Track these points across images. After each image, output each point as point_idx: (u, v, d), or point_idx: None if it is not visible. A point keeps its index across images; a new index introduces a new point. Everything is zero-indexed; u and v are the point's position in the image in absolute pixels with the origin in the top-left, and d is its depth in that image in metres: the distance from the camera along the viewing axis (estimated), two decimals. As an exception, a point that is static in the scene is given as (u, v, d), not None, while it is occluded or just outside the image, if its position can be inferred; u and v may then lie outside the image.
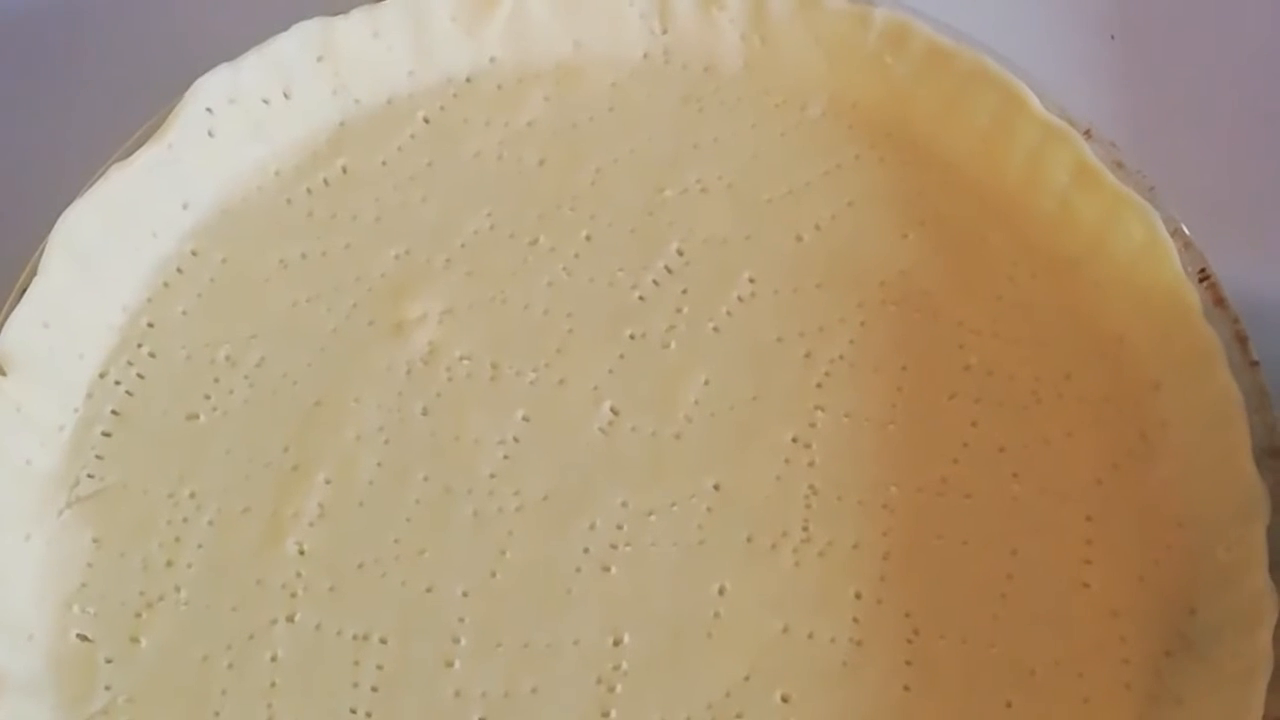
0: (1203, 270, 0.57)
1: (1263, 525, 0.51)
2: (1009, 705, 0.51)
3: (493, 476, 0.55)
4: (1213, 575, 0.52)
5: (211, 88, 0.59)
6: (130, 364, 0.57)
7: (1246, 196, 0.64)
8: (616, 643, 0.52)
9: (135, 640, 0.52)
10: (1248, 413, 0.53)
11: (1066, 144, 0.59)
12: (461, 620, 0.53)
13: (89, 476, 0.55)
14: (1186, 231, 0.58)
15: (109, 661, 0.52)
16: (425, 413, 0.57)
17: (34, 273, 0.55)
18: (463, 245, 0.60)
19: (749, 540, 0.54)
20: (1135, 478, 0.55)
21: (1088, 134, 0.59)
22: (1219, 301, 0.57)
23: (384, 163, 0.62)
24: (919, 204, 0.61)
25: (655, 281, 0.59)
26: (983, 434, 0.56)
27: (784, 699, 0.51)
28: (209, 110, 0.59)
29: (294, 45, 0.60)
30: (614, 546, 0.54)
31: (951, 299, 0.59)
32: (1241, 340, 0.56)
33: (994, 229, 0.60)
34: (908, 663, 0.52)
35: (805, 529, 0.54)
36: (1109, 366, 0.57)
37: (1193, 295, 0.55)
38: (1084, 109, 0.60)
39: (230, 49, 0.59)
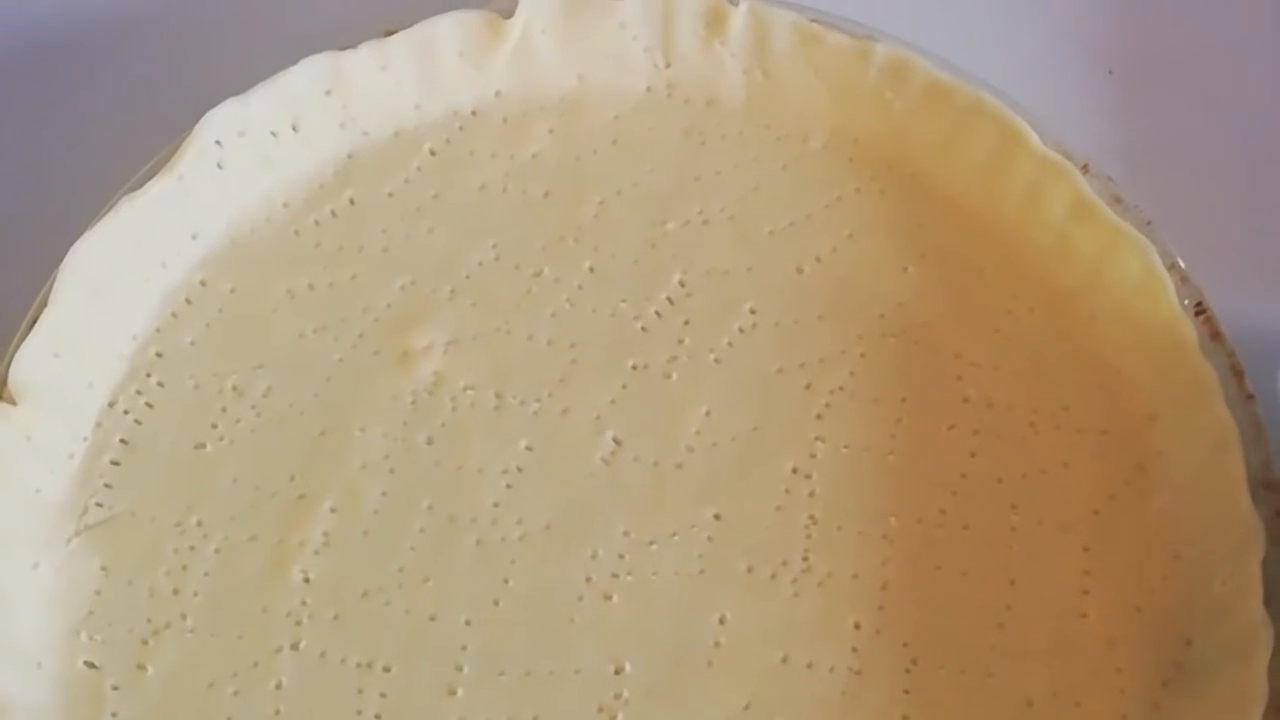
0: (1199, 304, 0.58)
1: (1258, 557, 0.51)
2: (1007, 735, 0.52)
3: (496, 505, 0.56)
4: (1209, 607, 0.52)
5: (221, 120, 0.60)
6: (139, 393, 0.58)
7: (1244, 231, 0.64)
8: (618, 671, 0.53)
9: (142, 668, 0.53)
10: (1243, 445, 0.53)
11: (1064, 178, 0.59)
12: (464, 648, 0.53)
13: (97, 505, 0.55)
14: (1183, 265, 0.58)
15: (116, 689, 0.52)
16: (430, 442, 0.57)
17: (44, 303, 0.56)
18: (468, 276, 0.61)
19: (749, 570, 0.55)
20: (1132, 509, 0.55)
21: (1085, 168, 0.60)
22: (1215, 335, 0.57)
23: (391, 194, 0.62)
24: (919, 237, 0.61)
25: (657, 313, 0.60)
26: (981, 465, 0.57)
27: (783, 728, 0.52)
28: (218, 143, 0.60)
29: (303, 79, 0.61)
30: (616, 575, 0.54)
31: (950, 331, 0.59)
32: (1237, 374, 0.56)
33: (992, 262, 0.61)
34: (906, 692, 0.52)
35: (805, 559, 0.55)
36: (1106, 398, 0.57)
37: (1189, 329, 0.56)
38: (1082, 143, 0.61)
39: (239, 83, 0.60)
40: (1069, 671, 0.53)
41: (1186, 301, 0.57)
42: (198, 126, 0.59)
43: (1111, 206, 0.59)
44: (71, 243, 0.56)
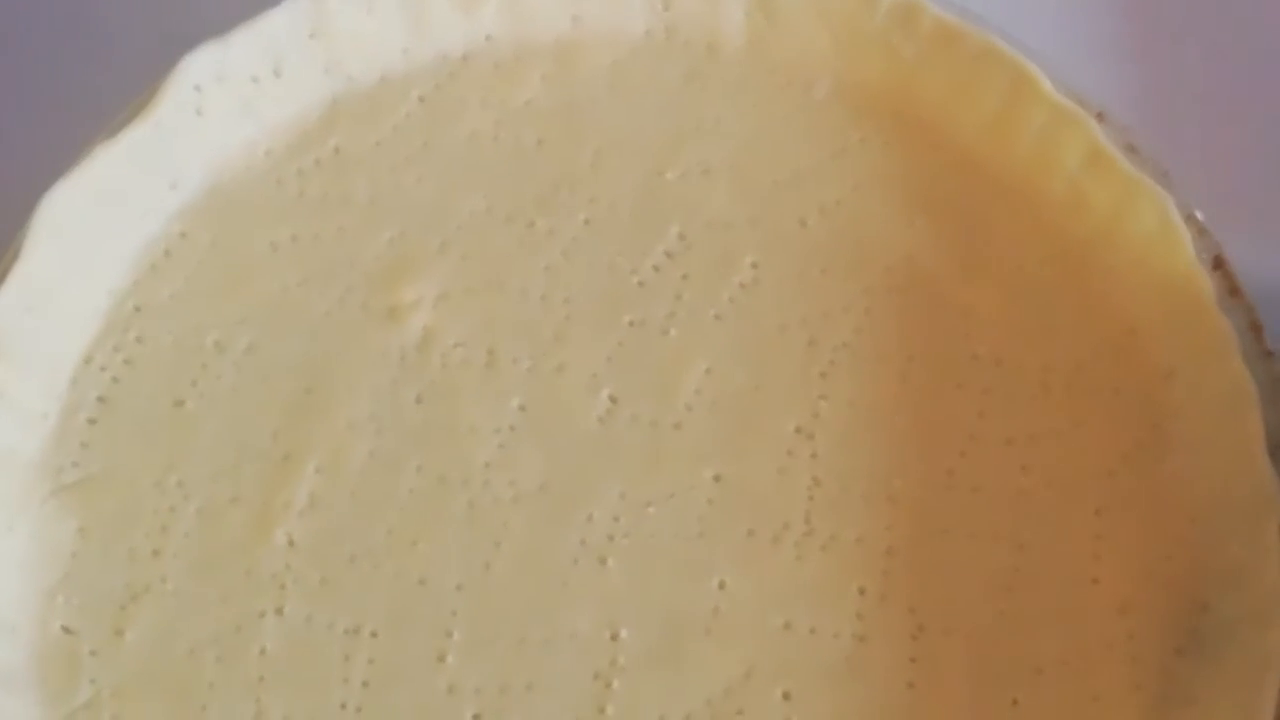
0: (1217, 258, 0.56)
1: (1276, 520, 0.50)
2: (1015, 703, 0.50)
3: (488, 466, 0.54)
4: (1225, 571, 0.51)
5: (199, 65, 0.57)
6: (116, 350, 0.56)
7: (1263, 182, 0.63)
8: (614, 637, 0.51)
9: (120, 632, 0.51)
10: (1262, 404, 0.52)
11: (1078, 127, 0.57)
12: (455, 614, 0.51)
13: (74, 465, 0.54)
14: (1200, 218, 0.56)
15: (93, 654, 0.51)
16: (419, 401, 0.55)
17: (16, 256, 0.54)
18: (458, 228, 0.59)
19: (750, 533, 0.53)
20: (1146, 471, 0.54)
21: (1100, 117, 0.58)
22: (1233, 290, 0.55)
23: (378, 143, 0.60)
24: (926, 188, 0.59)
25: (655, 267, 0.58)
26: (990, 425, 0.55)
27: (785, 696, 0.50)
28: (197, 88, 0.58)
29: (285, 21, 0.59)
30: (611, 539, 0.53)
31: (959, 286, 0.57)
32: (1256, 330, 0.55)
33: (1003, 214, 0.59)
34: (912, 659, 0.51)
35: (807, 522, 0.53)
36: (1120, 356, 0.56)
37: (1206, 284, 0.54)
38: (1097, 90, 0.59)
39: (219, 26, 0.58)
40: (1079, 638, 0.51)
41: (1204, 255, 0.56)
42: (175, 71, 0.57)
43: (1127, 156, 0.57)
44: (43, 193, 0.54)
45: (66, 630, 0.51)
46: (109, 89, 0.57)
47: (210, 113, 0.58)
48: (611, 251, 0.58)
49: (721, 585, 0.52)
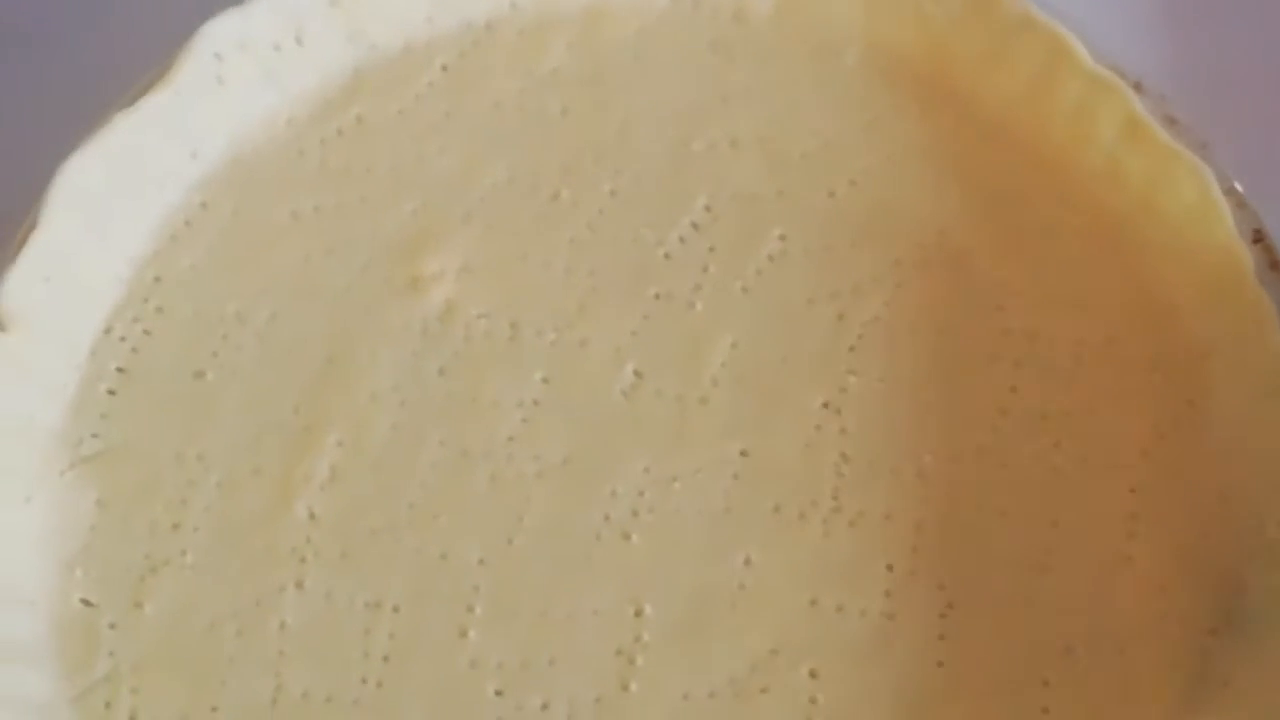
0: (1257, 231, 0.55)
1: (1315, 501, 0.49)
2: (1046, 683, 0.49)
3: (511, 440, 0.53)
4: (1262, 552, 0.50)
5: (220, 32, 0.57)
6: (136, 320, 0.55)
7: (1305, 154, 0.61)
8: (638, 613, 0.50)
9: (139, 605, 0.50)
10: (1301, 382, 0.51)
11: (1115, 97, 0.56)
12: (477, 588, 0.51)
13: (93, 436, 0.53)
14: (1241, 190, 0.55)
15: (112, 627, 0.50)
16: (442, 373, 0.54)
17: (34, 225, 0.53)
18: (481, 199, 0.58)
19: (776, 509, 0.52)
20: (1183, 448, 0.53)
21: (1138, 86, 0.57)
22: (1274, 264, 0.54)
23: (400, 112, 0.59)
24: (959, 159, 0.58)
25: (681, 239, 0.57)
26: (1023, 400, 0.54)
27: (812, 674, 0.49)
28: (217, 56, 0.57)
29: (306, -12, 0.58)
30: (636, 514, 0.52)
31: (992, 258, 0.56)
32: (1297, 305, 0.53)
33: (1038, 185, 0.57)
34: (941, 637, 0.50)
35: (835, 498, 0.52)
36: (1157, 331, 0.55)
37: (1246, 257, 0.53)
38: (1135, 60, 0.58)
39: (240, -8, 0.57)
40: (1112, 618, 0.50)
41: (1244, 228, 0.54)
42: (195, 38, 0.56)
43: (1165, 127, 0.56)
44: (62, 161, 0.54)
45: (86, 603, 0.51)
46: (129, 57, 0.56)
47: (231, 81, 0.57)
48: (637, 223, 0.57)
49: (747, 562, 0.51)
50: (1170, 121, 0.56)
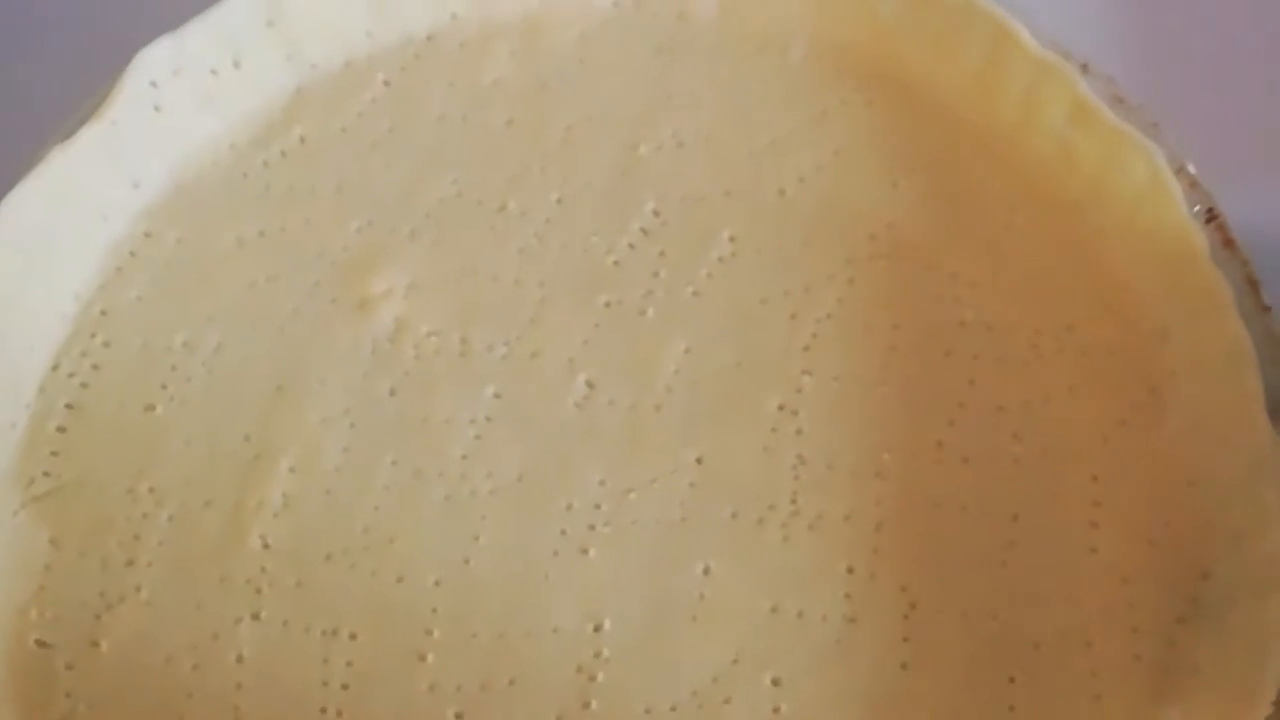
0: (1210, 210, 0.54)
1: (1277, 483, 0.48)
2: (1012, 680, 0.49)
3: (464, 458, 0.53)
4: (1227, 536, 0.49)
5: (154, 60, 0.56)
6: (84, 355, 0.55)
7: (1255, 131, 0.60)
8: (597, 629, 0.50)
9: (95, 644, 0.50)
10: (1260, 362, 0.50)
11: (1062, 80, 0.55)
12: (434, 611, 0.50)
13: (44, 475, 0.53)
14: (1192, 170, 0.54)
15: (69, 668, 0.50)
16: (393, 393, 0.54)
17: (-26, 264, 0.53)
18: (428, 215, 0.57)
19: (734, 516, 0.52)
20: (1143, 434, 0.52)
21: (1085, 69, 0.56)
22: (1228, 243, 0.54)
23: (343, 130, 0.59)
24: (909, 150, 0.58)
25: (631, 245, 0.56)
26: (980, 393, 0.53)
27: (774, 682, 0.49)
28: (153, 84, 0.56)
29: (241, 10, 0.57)
30: (592, 527, 0.51)
31: (945, 250, 0.56)
32: (1253, 284, 0.53)
33: (989, 174, 0.57)
34: (905, 639, 0.49)
35: (794, 501, 0.52)
36: (1114, 316, 0.54)
37: (1199, 237, 0.52)
38: (1081, 43, 0.57)
39: (172, 19, 0.56)
40: (1078, 610, 0.50)
41: (1197, 208, 0.54)
42: (130, 67, 0.56)
43: (1114, 108, 0.55)
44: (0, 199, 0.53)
45: (41, 644, 0.50)
46: (63, 90, 0.56)
47: (169, 108, 0.57)
48: (586, 231, 0.57)
49: (706, 571, 0.51)
50: (1118, 102, 0.56)
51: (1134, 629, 0.49)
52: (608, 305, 0.55)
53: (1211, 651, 0.48)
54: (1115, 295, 0.54)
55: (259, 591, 0.51)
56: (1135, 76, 0.57)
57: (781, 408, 0.53)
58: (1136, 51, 0.61)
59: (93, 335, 0.55)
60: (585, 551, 0.51)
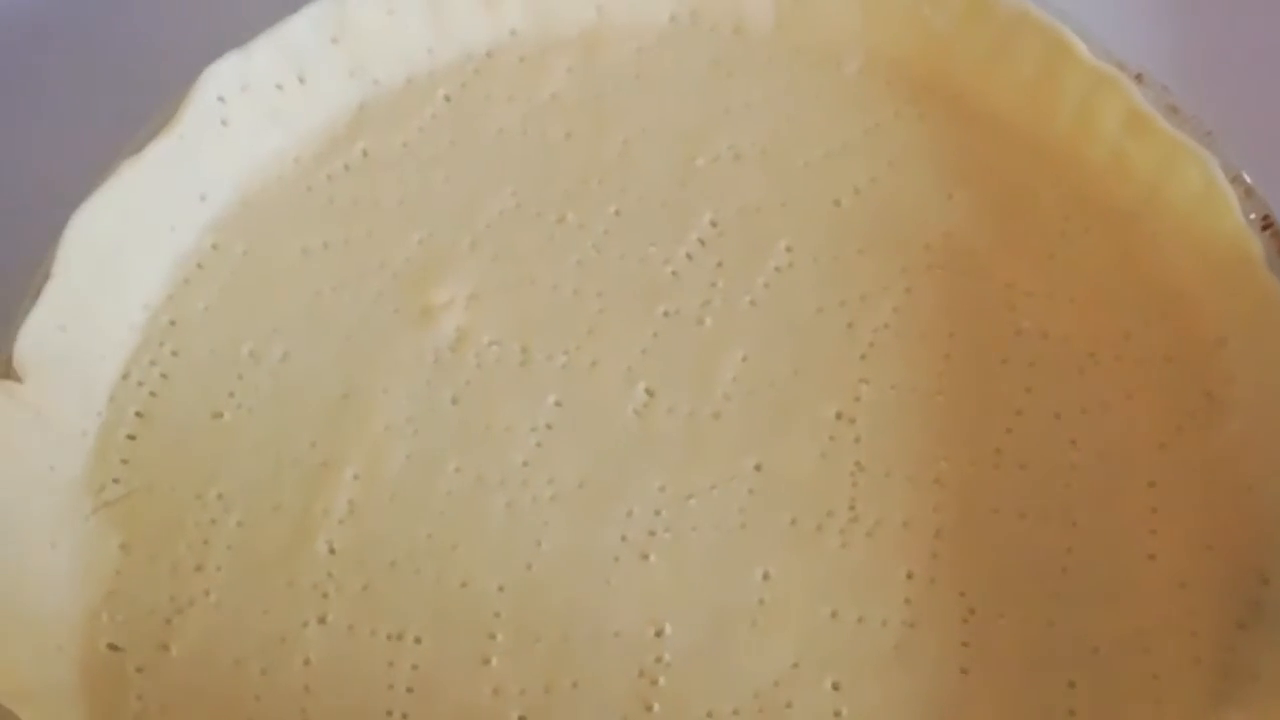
0: (1266, 217, 0.54)
1: (1336, 488, 0.48)
2: (1072, 685, 0.49)
3: (525, 465, 0.53)
4: (1286, 542, 0.50)
5: (222, 75, 0.57)
6: (153, 364, 0.56)
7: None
8: (658, 633, 0.50)
9: (165, 647, 0.51)
10: (1317, 368, 0.50)
11: (1117, 90, 0.56)
12: (498, 615, 0.51)
13: (114, 481, 0.54)
14: (1248, 179, 0.55)
15: (139, 670, 0.51)
16: (455, 401, 0.55)
17: (47, 275, 0.53)
18: (488, 226, 0.58)
19: (793, 522, 0.52)
20: (1201, 440, 0.52)
21: (1139, 78, 0.56)
22: (1284, 250, 0.54)
23: (405, 144, 0.60)
24: (963, 161, 0.58)
25: (688, 255, 0.57)
26: (1037, 400, 0.54)
27: (835, 686, 0.49)
28: (221, 99, 0.57)
29: (306, 28, 0.58)
30: (652, 533, 0.52)
31: (1001, 259, 0.56)
32: (1310, 291, 0.53)
33: (1044, 184, 0.57)
34: (964, 644, 0.50)
35: (852, 508, 0.52)
36: (1170, 324, 0.54)
37: (1255, 245, 0.53)
38: (1136, 52, 0.58)
39: (239, 35, 0.58)
40: (1136, 616, 0.50)
41: (1253, 216, 0.54)
42: (198, 82, 0.57)
43: (1168, 117, 0.55)
44: (73, 210, 0.54)
45: (113, 647, 0.51)
46: (134, 104, 0.57)
47: (236, 123, 0.58)
48: (643, 242, 0.57)
49: (766, 576, 0.51)
50: (1173, 111, 0.56)
51: (1193, 634, 0.49)
52: (666, 315, 0.56)
53: (1272, 657, 0.48)
54: (1171, 303, 0.55)
55: (325, 596, 0.52)
56: (1190, 86, 0.57)
57: (839, 416, 0.54)
58: (1191, 61, 0.61)
59: (161, 345, 0.56)
60: (646, 557, 0.52)
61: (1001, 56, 0.58)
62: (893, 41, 0.60)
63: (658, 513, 0.52)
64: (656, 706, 0.49)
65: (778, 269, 0.57)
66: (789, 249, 0.57)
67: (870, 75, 0.60)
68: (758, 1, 0.61)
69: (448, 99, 0.61)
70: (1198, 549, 0.51)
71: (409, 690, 0.50)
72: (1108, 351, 0.54)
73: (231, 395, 0.55)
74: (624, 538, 0.52)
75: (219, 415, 0.55)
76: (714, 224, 0.58)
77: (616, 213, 0.58)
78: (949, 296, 0.56)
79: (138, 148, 0.56)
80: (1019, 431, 0.53)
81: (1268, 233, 0.54)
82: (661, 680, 0.50)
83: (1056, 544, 0.51)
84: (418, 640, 0.51)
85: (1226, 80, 0.61)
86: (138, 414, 0.55)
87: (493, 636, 0.51)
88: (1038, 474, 0.52)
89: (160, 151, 0.56)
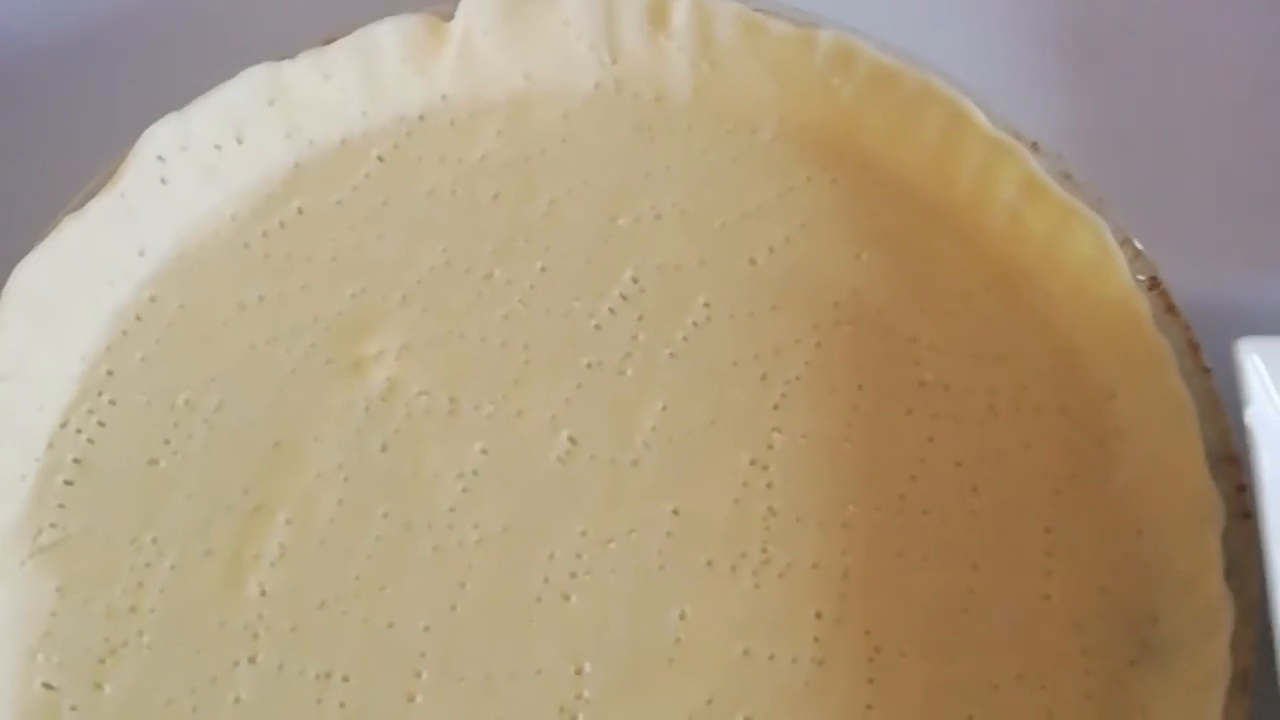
0: (1153, 278, 0.57)
1: (1218, 532, 0.51)
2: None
3: (452, 510, 0.55)
4: (1173, 583, 0.52)
5: (162, 135, 0.59)
6: (91, 412, 0.57)
7: (1197, 204, 0.63)
8: (578, 671, 0.52)
9: (99, 686, 0.52)
10: (1201, 419, 0.53)
11: (1013, 158, 0.58)
12: (423, 654, 0.53)
13: (51, 526, 0.55)
14: (1136, 242, 0.58)
15: (74, 709, 0.52)
16: (384, 449, 0.57)
17: (-12, 328, 0.55)
18: (419, 281, 0.60)
19: (709, 564, 0.54)
20: (1093, 487, 0.55)
21: (1035, 147, 0.59)
22: (1170, 309, 0.57)
23: (339, 202, 0.62)
24: (871, 223, 0.61)
25: (611, 310, 0.60)
26: (940, 449, 0.56)
27: (747, 721, 0.52)
28: (160, 158, 0.59)
29: (243, 91, 0.60)
30: (574, 575, 0.54)
31: (906, 316, 0.59)
32: (1193, 347, 0.56)
33: (946, 244, 0.60)
34: (870, 681, 0.52)
35: (764, 550, 0.54)
36: (1064, 377, 0.57)
37: (1143, 303, 0.55)
38: (1032, 122, 0.60)
39: (178, 99, 0.59)
40: (1034, 654, 0.52)
41: (1140, 276, 0.57)
42: (138, 143, 0.59)
43: (1062, 184, 0.58)
44: (13, 266, 0.56)
45: (48, 687, 0.52)
46: (75, 163, 0.59)
47: (175, 181, 0.60)
48: (568, 297, 0.60)
49: (682, 616, 0.53)
50: (1066, 178, 0.59)
51: (1087, 671, 0.52)
52: (589, 366, 0.58)
53: (1160, 693, 0.51)
54: (1065, 358, 0.57)
55: (256, 637, 0.53)
56: (1082, 154, 0.60)
57: (753, 462, 0.56)
58: (1083, 131, 0.64)
59: (99, 394, 0.58)
60: (567, 598, 0.54)
61: (907, 125, 0.61)
62: (804, 110, 0.63)
63: (579, 555, 0.54)
64: (576, 742, 0.51)
65: (696, 323, 0.59)
66: (707, 304, 0.59)
67: (784, 142, 0.63)
68: (677, 71, 0.64)
69: (381, 159, 0.63)
70: (1091, 590, 0.53)
71: (337, 728, 0.52)
72: (1006, 403, 0.57)
73: (167, 443, 0.57)
74: (546, 579, 0.54)
75: (155, 462, 0.57)
76: (635, 280, 0.60)
77: (542, 269, 0.60)
78: (857, 351, 0.58)
79: (79, 205, 0.58)
80: (923, 479, 0.56)
81: (1154, 292, 0.57)
82: (581, 717, 0.52)
83: (958, 586, 0.54)
84: (345, 679, 0.52)
85: (1116, 150, 0.64)
86: (75, 460, 0.57)
87: (418, 675, 0.52)
88: (940, 519, 0.55)
89: (101, 208, 0.58)
